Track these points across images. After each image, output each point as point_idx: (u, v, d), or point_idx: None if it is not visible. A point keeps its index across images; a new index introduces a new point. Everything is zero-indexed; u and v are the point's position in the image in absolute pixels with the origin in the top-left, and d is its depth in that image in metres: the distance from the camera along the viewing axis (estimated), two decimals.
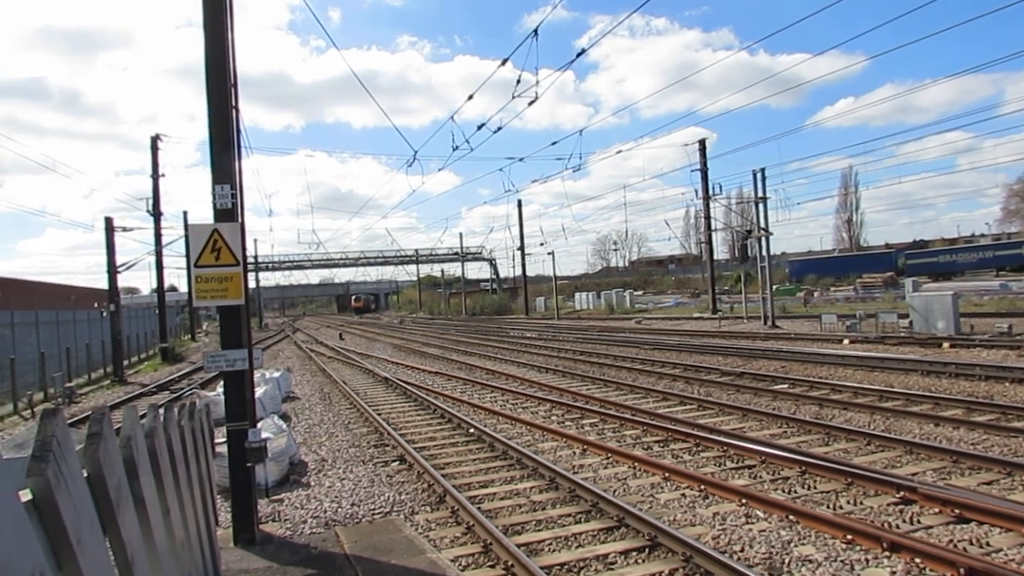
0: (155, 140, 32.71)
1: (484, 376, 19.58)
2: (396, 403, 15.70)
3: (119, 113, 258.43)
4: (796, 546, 5.99)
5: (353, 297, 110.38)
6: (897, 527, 6.25)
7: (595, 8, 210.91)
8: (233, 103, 7.33)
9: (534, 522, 7.08)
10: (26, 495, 1.28)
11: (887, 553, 5.63)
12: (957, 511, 6.41)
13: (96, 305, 35.47)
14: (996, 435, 9.50)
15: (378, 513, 7.81)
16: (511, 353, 26.07)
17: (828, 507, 6.96)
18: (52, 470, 1.33)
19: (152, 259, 34.34)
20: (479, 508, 7.34)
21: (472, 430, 11.70)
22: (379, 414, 13.68)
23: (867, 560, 5.61)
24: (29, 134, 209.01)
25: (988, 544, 5.80)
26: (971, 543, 5.83)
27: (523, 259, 64.28)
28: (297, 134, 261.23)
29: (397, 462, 10.19)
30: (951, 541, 5.87)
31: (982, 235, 75.19)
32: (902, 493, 6.98)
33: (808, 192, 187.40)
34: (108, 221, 27.82)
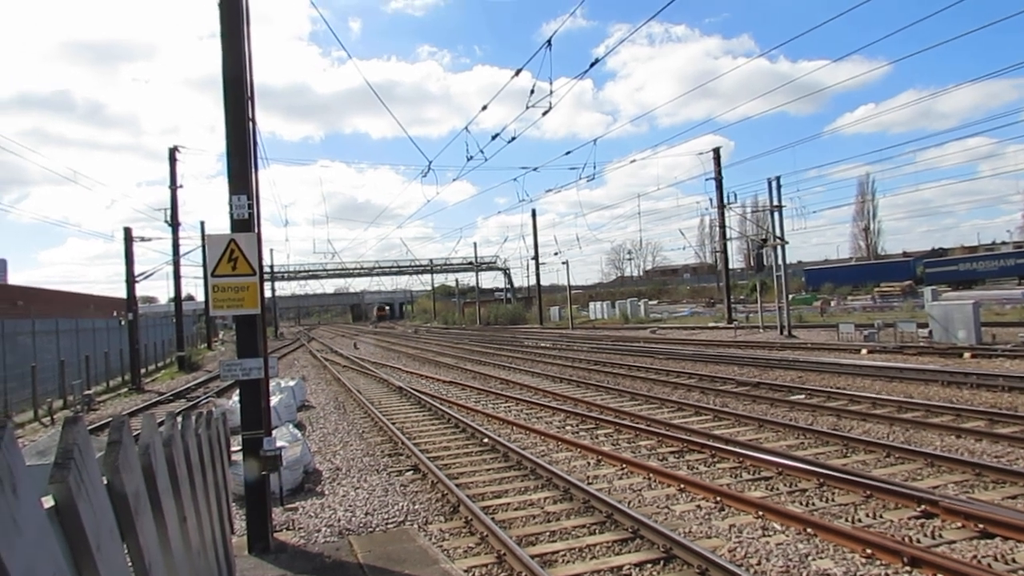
0: (173, 152, 33.10)
1: (498, 386, 19.56)
2: (410, 412, 15.72)
3: (142, 124, 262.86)
4: (814, 560, 5.92)
5: (377, 306, 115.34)
6: (918, 541, 6.16)
7: (614, 17, 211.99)
8: (250, 115, 7.41)
9: (548, 533, 7.05)
10: (48, 502, 1.29)
11: (908, 568, 5.55)
12: (981, 526, 6.30)
13: (115, 314, 35.86)
14: (1020, 447, 9.34)
15: (392, 522, 7.81)
16: (525, 363, 26.04)
17: (847, 520, 6.87)
18: (73, 477, 1.34)
19: (170, 269, 34.69)
20: (493, 518, 7.31)
21: (486, 440, 11.68)
22: (393, 423, 13.70)
23: (887, 575, 5.53)
24: (54, 145, 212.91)
25: (1014, 560, 5.69)
26: (996, 559, 5.72)
27: (537, 269, 64.35)
28: (316, 144, 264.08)
29: (411, 471, 10.19)
30: (975, 557, 5.76)
31: (1003, 242, 74.12)
32: (923, 507, 6.88)
33: (825, 200, 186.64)
34: (127, 231, 28.16)
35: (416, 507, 8.31)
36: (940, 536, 6.30)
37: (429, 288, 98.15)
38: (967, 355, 18.92)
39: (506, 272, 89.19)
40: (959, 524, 6.47)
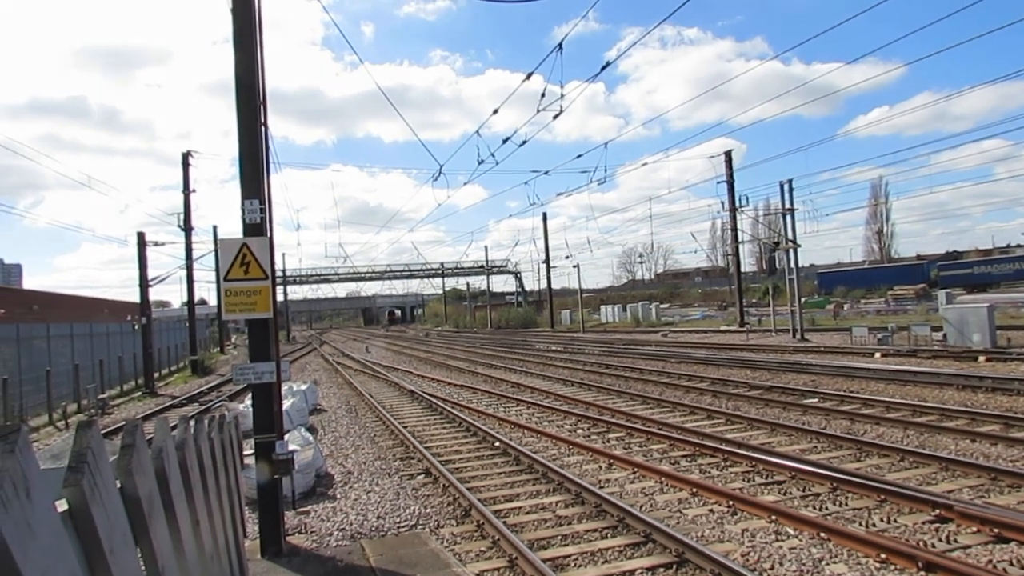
0: (186, 156, 33.35)
1: (509, 389, 19.54)
2: (422, 416, 15.73)
3: (156, 129, 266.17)
4: (828, 564, 5.87)
5: (388, 311, 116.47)
6: (933, 546, 6.10)
7: (626, 20, 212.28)
8: (262, 120, 7.46)
9: (560, 537, 7.03)
10: (62, 505, 1.30)
11: (922, 573, 5.49)
12: (996, 530, 6.23)
13: (128, 318, 36.13)
14: None
15: (404, 526, 7.82)
16: (536, 366, 26.01)
17: (860, 524, 6.81)
18: (87, 481, 1.35)
19: (183, 273, 34.93)
20: (504, 522, 7.30)
21: (497, 443, 11.68)
22: (405, 427, 13.72)
23: None
24: (69, 151, 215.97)
25: None
26: (1011, 564, 5.66)
27: (548, 272, 64.30)
28: (329, 149, 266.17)
29: (422, 475, 10.20)
30: (990, 561, 5.70)
31: (1019, 245, 73.30)
32: (938, 511, 6.81)
33: (838, 203, 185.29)
34: (140, 236, 28.38)
35: (428, 511, 8.32)
36: (955, 541, 6.23)
37: (440, 292, 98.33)
38: (982, 358, 18.73)
39: (517, 276, 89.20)
40: (974, 528, 6.41)
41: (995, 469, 8.15)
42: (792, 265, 32.18)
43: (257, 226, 7.26)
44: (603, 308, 68.34)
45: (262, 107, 7.47)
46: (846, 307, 48.98)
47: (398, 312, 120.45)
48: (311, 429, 14.29)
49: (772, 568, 5.89)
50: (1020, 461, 8.87)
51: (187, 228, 33.44)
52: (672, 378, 19.41)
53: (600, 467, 9.92)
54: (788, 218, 31.71)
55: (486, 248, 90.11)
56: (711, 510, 7.59)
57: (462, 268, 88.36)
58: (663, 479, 8.85)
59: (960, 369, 16.91)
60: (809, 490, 8.07)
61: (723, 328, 41.28)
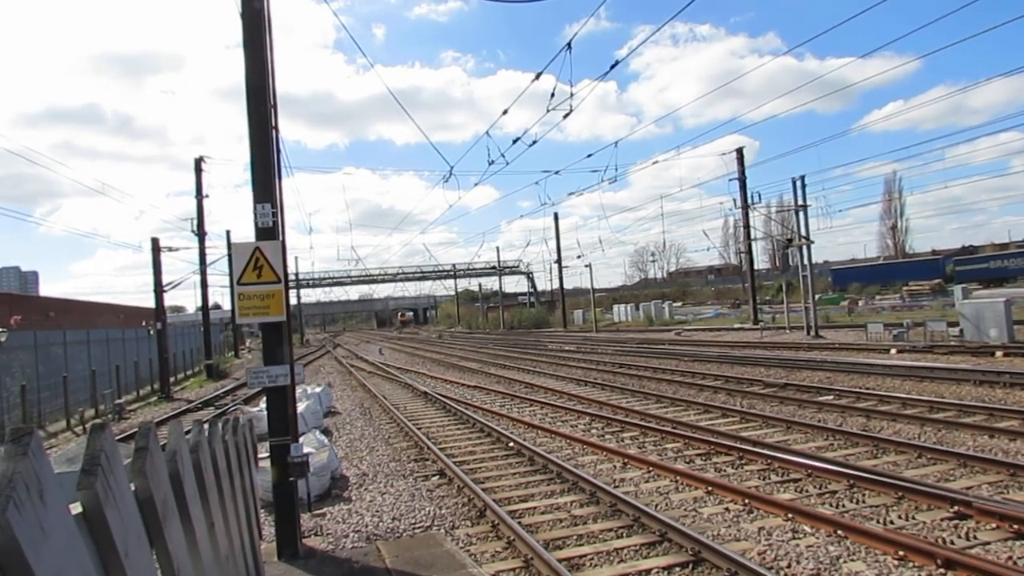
0: (199, 162, 33.54)
1: (523, 390, 19.53)
2: (436, 417, 15.75)
3: (170, 135, 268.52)
4: (845, 562, 5.82)
5: (400, 313, 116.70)
6: (952, 543, 6.03)
7: (638, 19, 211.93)
8: (273, 124, 7.50)
9: (575, 537, 7.02)
10: (76, 508, 1.31)
11: (941, 570, 5.43)
12: (1015, 527, 6.15)
13: (144, 323, 36.44)
14: None
15: (419, 527, 7.83)
16: (549, 366, 25.98)
17: (878, 522, 6.75)
18: (101, 484, 1.36)
19: (197, 278, 35.14)
20: (519, 522, 7.30)
21: (511, 444, 11.67)
22: (419, 428, 13.74)
23: None
24: (84, 158, 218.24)
25: None
26: None
27: (560, 272, 64.23)
28: (341, 152, 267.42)
29: (437, 476, 10.21)
30: (1010, 558, 5.63)
31: None
32: (956, 508, 6.74)
33: (852, 199, 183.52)
34: (155, 242, 28.58)
35: (443, 512, 8.33)
36: (974, 537, 6.17)
37: (453, 293, 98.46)
38: (999, 354, 18.52)
39: (529, 276, 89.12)
40: (993, 525, 6.33)
41: (1014, 465, 8.05)
42: (806, 262, 31.97)
43: (269, 230, 7.30)
44: (615, 307, 68.18)
45: (273, 111, 7.51)
46: (861, 303, 48.57)
47: (411, 314, 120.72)
48: (326, 431, 14.34)
49: (789, 566, 5.85)
50: None
51: (200, 233, 33.62)
52: (686, 376, 19.33)
53: (615, 466, 9.89)
54: (801, 214, 31.51)
55: (498, 249, 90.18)
56: (727, 508, 7.55)
57: (474, 269, 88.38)
58: (678, 478, 8.81)
59: (977, 365, 16.73)
60: (825, 488, 8.00)
61: (736, 326, 41.06)
